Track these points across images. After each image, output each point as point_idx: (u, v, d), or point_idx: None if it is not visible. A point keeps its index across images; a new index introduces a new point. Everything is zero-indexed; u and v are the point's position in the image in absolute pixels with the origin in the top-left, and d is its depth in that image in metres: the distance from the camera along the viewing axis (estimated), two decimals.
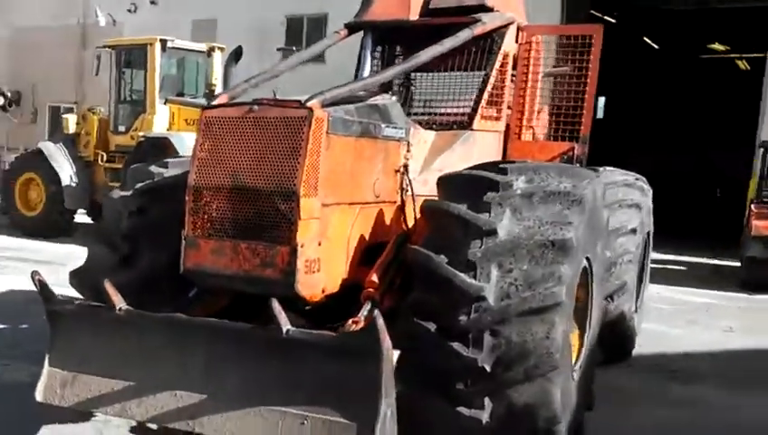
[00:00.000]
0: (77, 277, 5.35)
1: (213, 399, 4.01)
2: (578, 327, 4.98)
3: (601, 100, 7.08)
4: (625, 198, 6.82)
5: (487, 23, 5.61)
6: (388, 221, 5.06)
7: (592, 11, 21.16)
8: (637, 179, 7.36)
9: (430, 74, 6.10)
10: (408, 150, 5.21)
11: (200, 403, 4.02)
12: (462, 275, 4.16)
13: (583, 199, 4.40)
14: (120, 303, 4.30)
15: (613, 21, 22.49)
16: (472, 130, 5.64)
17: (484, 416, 4.16)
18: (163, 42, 13.77)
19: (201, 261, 4.40)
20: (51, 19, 25.23)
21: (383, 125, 4.92)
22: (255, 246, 4.24)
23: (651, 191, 7.58)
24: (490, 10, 5.80)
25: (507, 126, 6.02)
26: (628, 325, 6.93)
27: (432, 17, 5.81)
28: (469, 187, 4.56)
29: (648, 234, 7.50)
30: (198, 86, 14.83)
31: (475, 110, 5.68)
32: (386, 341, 3.66)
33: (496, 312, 4.09)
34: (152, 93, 13.83)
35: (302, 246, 4.16)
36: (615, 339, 6.73)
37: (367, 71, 6.04)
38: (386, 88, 5.99)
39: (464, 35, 5.44)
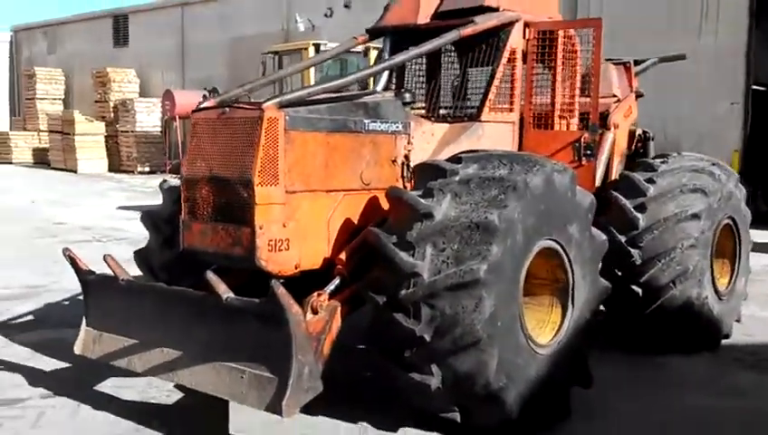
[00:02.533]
0: (137, 256, 6.29)
1: (185, 355, 4.77)
2: (561, 305, 5.26)
3: None
4: (687, 184, 6.83)
5: (479, 23, 5.93)
6: (386, 207, 5.55)
7: None
8: (714, 165, 7.26)
9: (448, 71, 6.49)
10: (408, 142, 5.69)
11: (177, 359, 4.81)
12: (402, 253, 4.65)
13: (517, 185, 4.71)
14: (122, 274, 5.19)
15: None
16: (480, 121, 6.01)
17: (434, 381, 4.63)
18: (316, 45, 14.81)
19: (192, 241, 5.19)
20: (260, 27, 27.34)
21: (367, 120, 5.43)
22: (227, 228, 4.95)
23: (734, 178, 7.40)
24: (495, 10, 6.11)
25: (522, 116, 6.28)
26: (704, 313, 6.79)
27: (440, 20, 6.20)
28: (427, 174, 5.09)
29: (733, 220, 7.28)
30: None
31: (483, 103, 6.03)
32: (293, 307, 4.25)
33: (427, 286, 4.55)
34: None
35: (260, 228, 4.80)
36: (689, 326, 6.73)
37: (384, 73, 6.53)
38: (399, 85, 6.49)
39: (450, 36, 5.82)
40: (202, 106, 5.36)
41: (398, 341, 4.65)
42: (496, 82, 6.04)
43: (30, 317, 7.69)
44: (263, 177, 4.80)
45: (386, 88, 6.44)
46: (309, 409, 4.71)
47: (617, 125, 7.45)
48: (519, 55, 6.14)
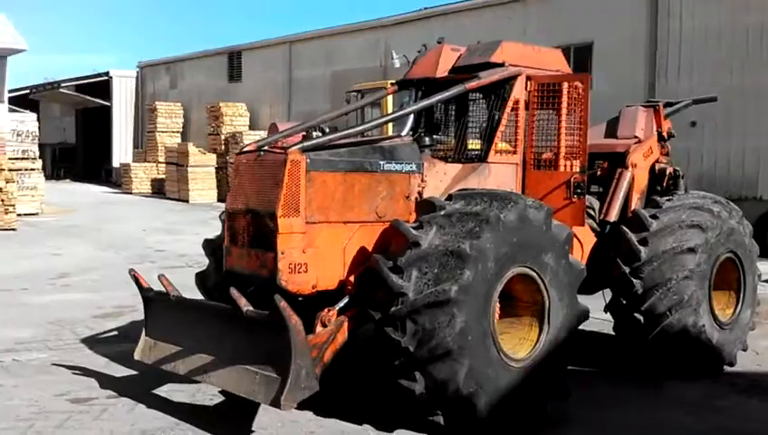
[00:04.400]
0: (197, 278, 7.30)
1: (216, 359, 5.76)
2: (538, 325, 6.00)
3: None
4: (686, 220, 7.43)
5: (482, 78, 6.74)
6: None
7: None
8: (716, 203, 7.81)
9: (468, 117, 7.31)
10: (422, 181, 6.55)
11: (209, 363, 5.81)
12: (393, 276, 5.53)
13: (490, 219, 5.51)
14: (173, 292, 6.24)
15: None
16: (487, 162, 6.81)
17: (418, 387, 5.47)
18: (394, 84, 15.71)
19: (232, 263, 6.19)
20: (360, 63, 28.69)
21: (382, 162, 6.33)
22: (257, 253, 5.93)
23: (737, 214, 7.91)
24: (501, 65, 6.91)
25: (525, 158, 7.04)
26: (701, 340, 7.33)
27: (456, 74, 7.05)
28: (423, 209, 6.01)
29: (735, 254, 7.79)
30: None
31: (489, 145, 6.84)
32: (293, 318, 5.17)
33: (410, 304, 5.41)
34: (387, 128, 15.88)
35: (282, 253, 5.75)
36: (687, 352, 7.31)
37: (410, 119, 7.41)
38: (428, 128, 7.34)
39: (456, 90, 6.66)
40: (245, 150, 6.38)
41: (388, 351, 5.51)
42: (501, 127, 6.83)
43: (114, 333, 8.87)
44: (285, 210, 5.75)
45: (415, 131, 7.36)
46: (319, 411, 5.64)
47: (635, 164, 8.11)
48: (522, 105, 6.91)
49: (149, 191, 33.57)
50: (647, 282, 7.21)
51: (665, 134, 8.78)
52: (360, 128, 6.66)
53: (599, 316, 8.10)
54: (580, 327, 8.58)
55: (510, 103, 6.84)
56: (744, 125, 17.99)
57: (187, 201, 29.33)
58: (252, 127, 32.04)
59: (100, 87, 41.30)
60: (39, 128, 25.10)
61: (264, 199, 5.88)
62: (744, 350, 8.00)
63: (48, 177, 39.42)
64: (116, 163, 39.64)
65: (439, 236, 5.61)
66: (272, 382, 5.28)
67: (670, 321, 7.17)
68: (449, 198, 6.01)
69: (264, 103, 33.30)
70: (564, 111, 6.88)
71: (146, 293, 6.54)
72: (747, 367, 7.84)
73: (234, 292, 5.52)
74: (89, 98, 41.10)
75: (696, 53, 19.08)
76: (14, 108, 31.78)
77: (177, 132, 35.62)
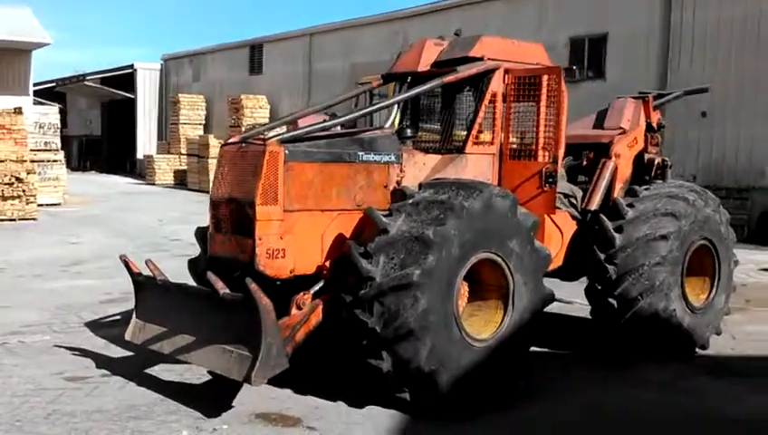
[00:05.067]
0: (189, 264, 7.56)
1: (196, 339, 6.09)
2: (503, 307, 6.27)
3: None
4: (660, 208, 7.65)
5: (460, 72, 6.99)
6: None
7: None
8: (692, 191, 8.01)
9: (448, 110, 7.56)
10: (401, 171, 6.81)
11: (191, 343, 6.14)
12: (362, 260, 5.82)
13: (454, 207, 5.79)
14: (159, 276, 6.57)
15: None
16: (464, 153, 7.06)
17: (385, 366, 5.77)
18: None
19: (215, 249, 6.51)
20: (377, 55, 28.90)
21: (361, 153, 6.60)
22: (237, 239, 6.24)
23: (713, 202, 8.12)
24: (480, 59, 7.15)
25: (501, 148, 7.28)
26: (671, 324, 7.58)
27: (436, 68, 7.30)
28: (396, 197, 6.35)
29: (710, 241, 8.00)
30: None
31: (467, 137, 7.09)
32: (263, 299, 5.48)
33: (377, 287, 5.69)
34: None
35: (260, 239, 6.05)
36: (658, 336, 7.57)
37: (393, 111, 7.68)
38: (413, 121, 7.62)
39: (433, 83, 6.91)
40: (229, 141, 6.69)
41: (357, 332, 5.80)
42: (479, 119, 7.08)
43: (117, 317, 9.20)
44: (263, 198, 6.05)
45: (400, 123, 7.64)
46: (297, 389, 5.98)
47: (618, 155, 8.32)
48: (499, 97, 7.15)
49: (172, 182, 34.13)
50: (620, 268, 7.45)
51: (654, 125, 8.96)
52: (336, 120, 6.94)
53: (582, 302, 8.36)
54: (559, 312, 8.98)
55: (488, 96, 7.07)
56: (753, 115, 18.06)
57: (208, 192, 29.59)
58: (272, 118, 32.39)
59: (125, 80, 42.01)
60: (65, 120, 25.64)
61: (245, 188, 6.17)
62: (718, 334, 8.21)
63: (74, 168, 40.52)
64: (140, 155, 40.35)
65: (407, 223, 5.89)
66: (244, 360, 5.59)
67: (641, 305, 7.41)
68: (420, 186, 6.28)
69: (285, 95, 33.70)
70: (541, 103, 7.10)
71: (136, 277, 6.88)
72: (720, 351, 8.06)
73: (210, 275, 5.84)
74: (114, 91, 41.80)
75: (709, 42, 19.14)
76: (40, 100, 32.52)
77: (200, 124, 36.13)
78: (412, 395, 5.86)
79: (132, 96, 41.90)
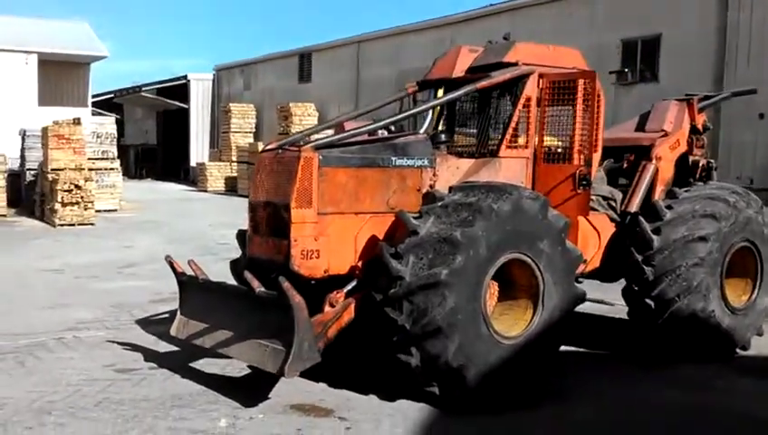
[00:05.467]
0: (231, 265, 7.89)
1: (234, 335, 6.40)
2: (533, 306, 6.44)
3: None
4: (699, 210, 7.73)
5: (493, 77, 7.18)
6: None
7: None
8: (734, 193, 8.06)
9: (480, 114, 7.75)
10: (434, 175, 7.02)
11: (230, 338, 6.45)
12: (393, 261, 6.06)
13: (482, 209, 5.99)
14: (201, 275, 6.89)
15: None
16: (498, 157, 7.25)
17: (413, 361, 6.00)
18: None
19: (254, 251, 6.81)
20: (426, 61, 29.00)
21: (394, 157, 6.83)
22: (274, 240, 6.53)
23: (756, 204, 8.15)
24: (515, 65, 7.34)
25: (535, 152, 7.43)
26: (710, 325, 7.65)
27: (471, 74, 7.50)
28: (427, 200, 6.56)
29: (752, 243, 8.03)
30: None
31: (501, 141, 7.28)
32: (295, 297, 5.75)
33: (406, 286, 5.92)
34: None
35: (295, 241, 6.33)
36: (697, 336, 7.65)
37: (429, 116, 7.90)
38: (449, 126, 7.83)
39: (467, 88, 7.12)
40: (267, 148, 6.98)
41: (388, 329, 6.03)
42: (513, 123, 7.26)
43: (166, 315, 9.54)
44: (298, 202, 6.33)
45: (435, 128, 7.88)
46: (332, 383, 6.25)
47: (659, 157, 8.38)
48: (533, 102, 7.31)
49: (223, 189, 34.72)
50: (657, 269, 7.54)
51: (699, 127, 8.95)
52: (369, 127, 7.20)
53: (620, 302, 8.47)
54: (598, 313, 9.09)
55: (522, 100, 7.25)
56: None
57: None
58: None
59: (179, 90, 42.90)
60: (122, 130, 26.33)
61: (281, 192, 6.45)
62: (760, 335, 8.25)
63: (131, 176, 41.44)
64: (193, 162, 41.09)
65: (436, 224, 6.10)
66: (278, 354, 5.88)
67: (679, 306, 7.49)
68: (451, 188, 6.49)
69: (333, 103, 34.04)
70: (577, 107, 7.24)
71: (180, 277, 7.22)
72: (762, 351, 8.08)
73: (247, 274, 6.13)
74: (168, 101, 42.74)
75: (765, 43, 18.85)
76: (99, 111, 33.46)
77: (250, 132, 36.68)
78: (441, 389, 6.07)
79: (186, 106, 42.75)
